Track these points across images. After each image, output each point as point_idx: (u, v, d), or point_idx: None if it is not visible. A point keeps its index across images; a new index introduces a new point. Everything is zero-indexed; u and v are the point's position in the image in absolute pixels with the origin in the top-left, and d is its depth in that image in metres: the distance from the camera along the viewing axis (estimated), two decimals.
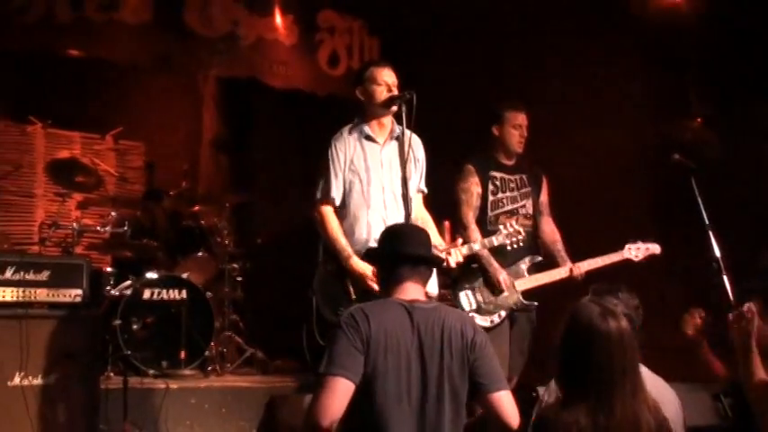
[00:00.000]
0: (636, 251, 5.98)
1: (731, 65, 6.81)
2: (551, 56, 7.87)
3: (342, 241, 5.01)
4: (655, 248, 6.02)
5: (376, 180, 5.11)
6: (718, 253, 5.37)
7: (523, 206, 6.16)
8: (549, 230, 6.31)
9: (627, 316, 3.27)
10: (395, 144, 5.20)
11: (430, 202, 5.43)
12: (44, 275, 5.66)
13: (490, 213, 6.05)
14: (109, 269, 7.47)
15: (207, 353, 7.10)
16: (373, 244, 4.87)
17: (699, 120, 7.19)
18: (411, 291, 3.71)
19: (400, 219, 5.00)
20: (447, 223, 6.43)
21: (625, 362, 2.98)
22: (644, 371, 3.24)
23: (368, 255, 4.29)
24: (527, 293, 5.97)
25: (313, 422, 3.38)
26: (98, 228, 7.91)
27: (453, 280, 5.96)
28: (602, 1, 7.30)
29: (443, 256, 4.92)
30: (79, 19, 7.82)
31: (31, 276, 5.61)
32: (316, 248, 5.19)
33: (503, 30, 8.20)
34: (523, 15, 7.94)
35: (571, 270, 6.02)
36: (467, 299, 5.94)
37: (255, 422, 6.24)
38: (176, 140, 10.17)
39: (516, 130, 6.11)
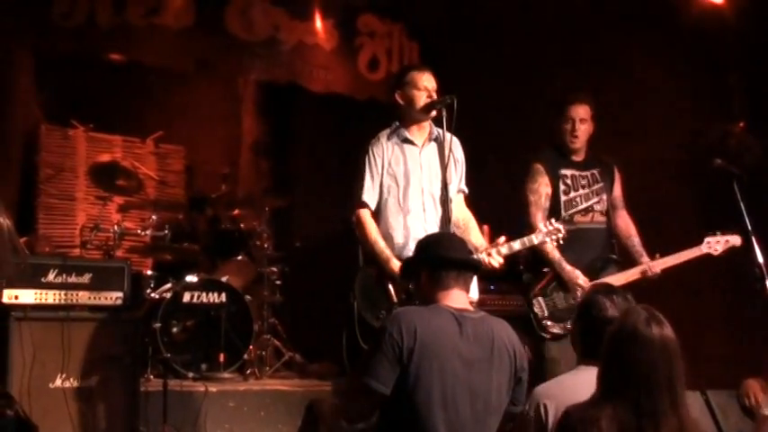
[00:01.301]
0: (716, 245, 5.67)
1: None
2: (592, 60, 7.82)
3: (381, 244, 4.99)
4: (735, 240, 5.67)
5: (415, 183, 5.09)
6: (761, 259, 5.34)
7: (598, 203, 5.93)
8: (624, 225, 6.06)
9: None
10: (433, 146, 5.18)
11: (471, 208, 5.39)
12: (85, 278, 5.72)
13: (564, 214, 5.83)
14: (149, 272, 7.55)
15: (246, 356, 7.12)
16: (412, 247, 4.87)
17: (741, 124, 7.10)
18: (457, 298, 3.69)
19: (439, 221, 4.98)
20: (486, 228, 6.37)
21: (667, 369, 2.94)
22: None
23: (408, 264, 4.16)
24: None
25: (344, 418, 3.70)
26: (139, 231, 7.99)
27: (525, 285, 5.83)
28: (643, 4, 7.23)
29: (484, 257, 4.88)
30: (121, 24, 7.88)
31: (72, 279, 5.68)
32: (355, 252, 5.18)
33: (543, 34, 8.15)
34: (564, 19, 7.88)
35: (644, 272, 5.73)
36: (539, 305, 5.74)
37: (294, 425, 6.22)
38: (216, 144, 10.22)
39: (568, 123, 5.87)
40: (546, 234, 5.25)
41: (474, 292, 4.86)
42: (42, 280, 5.58)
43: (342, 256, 5.60)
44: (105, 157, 9.16)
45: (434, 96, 5.06)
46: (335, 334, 5.13)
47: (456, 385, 3.48)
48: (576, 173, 5.95)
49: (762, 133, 6.82)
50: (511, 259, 5.73)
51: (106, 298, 5.77)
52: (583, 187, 5.93)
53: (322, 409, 5.96)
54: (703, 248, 5.67)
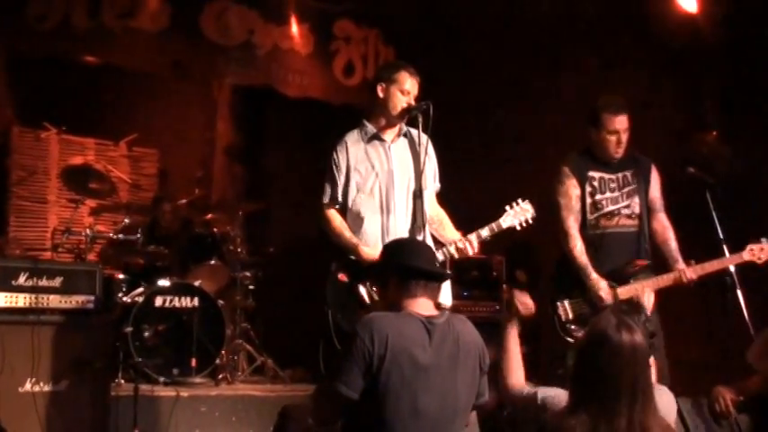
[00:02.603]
0: (759, 252, 5.31)
1: (747, 78, 6.78)
2: (567, 68, 7.86)
3: (347, 234, 4.99)
4: None
5: (383, 179, 5.05)
6: (731, 267, 5.37)
7: (627, 206, 5.62)
8: (660, 229, 5.69)
9: None
10: (403, 141, 5.16)
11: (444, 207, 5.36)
12: (56, 282, 5.67)
13: (590, 217, 5.60)
14: (121, 276, 7.49)
15: (218, 361, 7.11)
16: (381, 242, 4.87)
17: (714, 133, 7.14)
18: (424, 305, 3.67)
19: (408, 217, 4.97)
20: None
21: (634, 375, 2.96)
22: None
23: (376, 268, 4.10)
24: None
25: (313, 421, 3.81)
26: (111, 234, 7.93)
27: (555, 287, 5.58)
28: (618, 14, 7.28)
29: (452, 250, 4.88)
30: (96, 26, 7.85)
31: (43, 282, 5.62)
32: (328, 258, 5.17)
33: (519, 41, 8.19)
34: (541, 27, 7.93)
35: (677, 278, 5.38)
36: (563, 308, 5.49)
37: (266, 431, 6.23)
38: (190, 148, 10.21)
39: (612, 135, 5.54)
40: (514, 216, 5.05)
41: (447, 297, 4.88)
42: (13, 283, 5.52)
43: (316, 261, 5.58)
44: (78, 160, 9.15)
45: (412, 103, 5.04)
46: (308, 339, 5.12)
47: (425, 392, 3.48)
48: (605, 175, 5.68)
49: (734, 142, 6.87)
50: (484, 267, 5.72)
51: (77, 302, 5.72)
52: (612, 190, 5.65)
53: (294, 415, 5.96)
54: (745, 256, 5.35)
